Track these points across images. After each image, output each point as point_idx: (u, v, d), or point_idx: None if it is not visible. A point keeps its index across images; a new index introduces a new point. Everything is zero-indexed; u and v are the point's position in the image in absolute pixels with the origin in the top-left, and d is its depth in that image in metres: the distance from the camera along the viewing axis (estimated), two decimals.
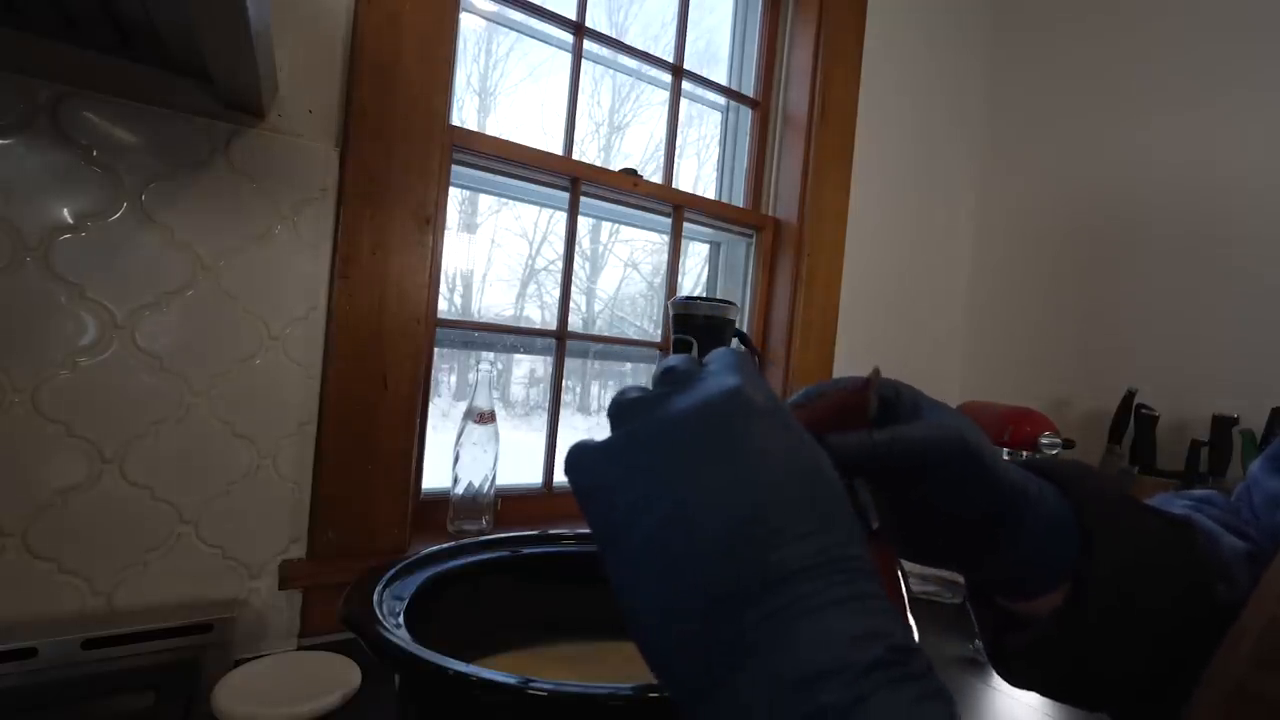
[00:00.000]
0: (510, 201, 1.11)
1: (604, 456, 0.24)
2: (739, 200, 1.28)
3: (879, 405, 0.30)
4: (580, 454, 0.25)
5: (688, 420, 0.22)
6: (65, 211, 0.60)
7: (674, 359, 0.27)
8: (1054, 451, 1.06)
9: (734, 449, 0.21)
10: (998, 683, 0.81)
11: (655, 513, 0.21)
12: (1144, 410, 1.11)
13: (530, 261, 1.23)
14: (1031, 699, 0.77)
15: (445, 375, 1.20)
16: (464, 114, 1.01)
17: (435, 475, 0.91)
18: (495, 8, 1.00)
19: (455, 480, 0.88)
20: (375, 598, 0.45)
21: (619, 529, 0.22)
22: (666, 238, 1.16)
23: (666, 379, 0.25)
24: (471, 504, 0.88)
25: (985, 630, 0.33)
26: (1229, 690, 0.21)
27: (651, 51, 1.13)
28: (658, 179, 1.14)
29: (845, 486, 0.27)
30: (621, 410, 0.25)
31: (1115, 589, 0.27)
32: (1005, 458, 0.30)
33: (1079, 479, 0.30)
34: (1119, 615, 0.27)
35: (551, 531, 0.63)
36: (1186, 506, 0.35)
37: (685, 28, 1.16)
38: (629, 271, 1.35)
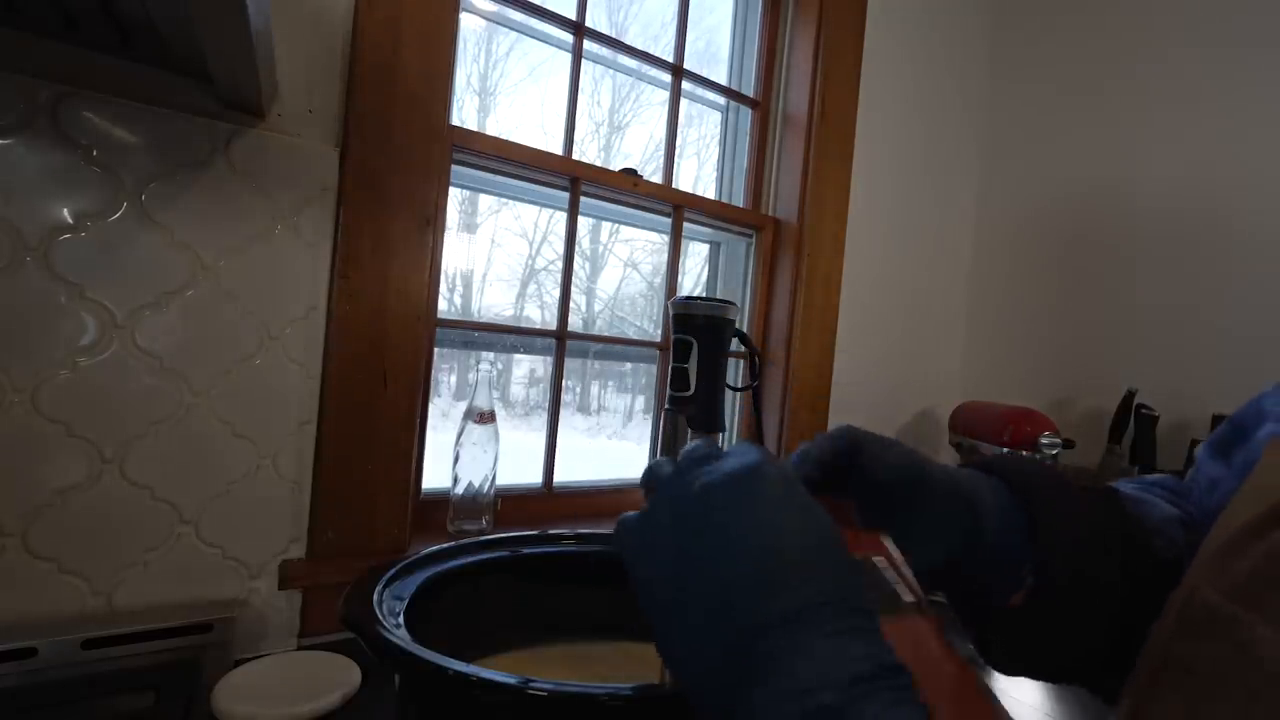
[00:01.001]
0: (510, 201, 1.11)
1: (645, 523, 0.28)
2: (739, 200, 1.28)
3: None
4: (625, 526, 0.30)
5: (712, 490, 0.26)
6: (65, 211, 0.60)
7: (699, 443, 0.31)
8: (1054, 452, 1.06)
9: (744, 514, 0.25)
10: (998, 682, 0.81)
11: (685, 566, 0.25)
12: (1144, 410, 1.11)
13: (530, 261, 1.23)
14: (1031, 698, 0.77)
15: (445, 375, 1.20)
16: (464, 114, 1.01)
17: (435, 475, 0.91)
18: (495, 8, 1.00)
19: (455, 480, 0.88)
20: (375, 598, 0.45)
21: (655, 583, 0.26)
22: (666, 238, 1.16)
23: (693, 456, 0.30)
24: (471, 504, 0.88)
25: (969, 626, 0.35)
26: (1156, 658, 0.23)
27: (651, 51, 1.13)
28: (658, 179, 1.14)
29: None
30: (655, 481, 0.30)
31: (1069, 565, 0.31)
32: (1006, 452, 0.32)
33: (1017, 470, 0.34)
34: (1076, 588, 0.31)
35: (551, 531, 0.63)
36: (1135, 488, 0.38)
37: (685, 28, 1.16)
38: (629, 271, 1.36)
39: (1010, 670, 0.34)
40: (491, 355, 1.06)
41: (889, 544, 0.29)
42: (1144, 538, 0.32)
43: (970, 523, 0.32)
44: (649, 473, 0.31)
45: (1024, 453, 1.05)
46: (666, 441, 0.41)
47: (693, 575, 0.25)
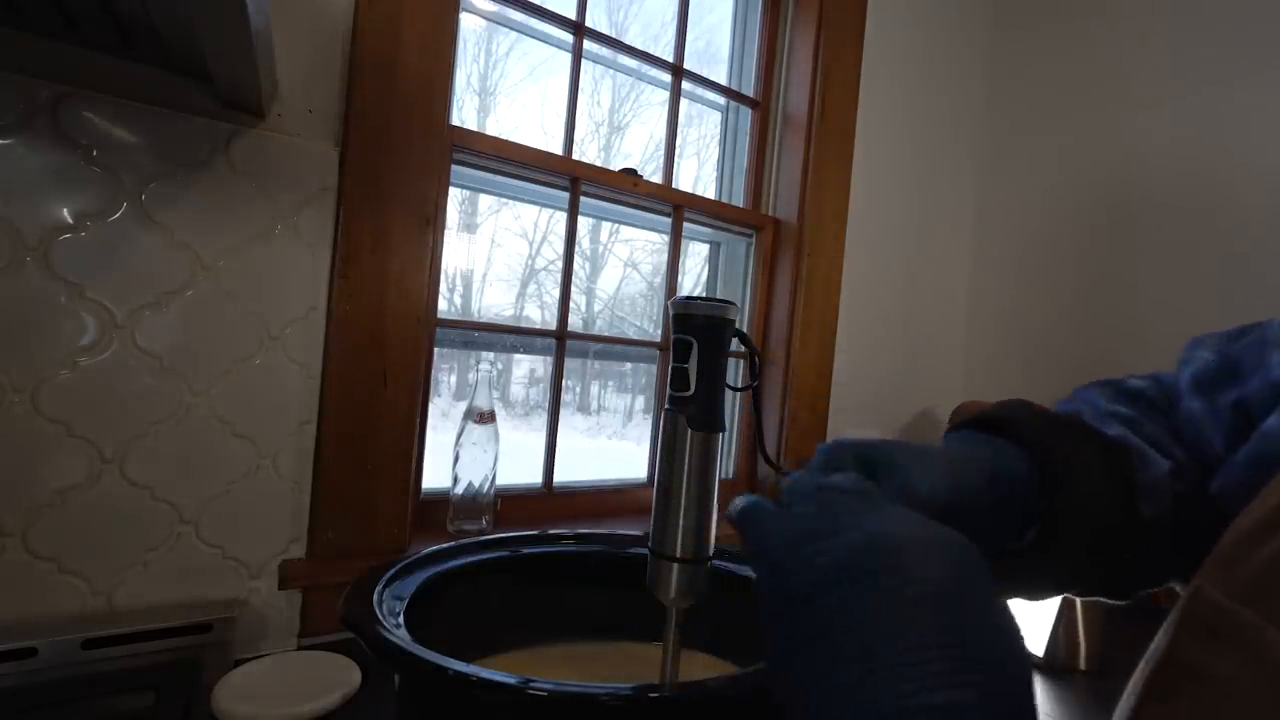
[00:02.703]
0: (510, 201, 1.11)
1: (804, 531, 0.26)
2: (739, 200, 1.28)
3: None
4: (766, 517, 0.28)
5: (917, 546, 0.24)
6: (65, 211, 0.60)
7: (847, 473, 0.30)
8: None
9: (943, 585, 0.23)
10: None
11: (850, 613, 0.23)
12: None
13: (530, 261, 1.23)
14: None
15: (445, 375, 1.20)
16: (464, 114, 1.01)
17: (435, 475, 0.91)
18: (495, 8, 1.00)
19: (455, 480, 0.88)
20: (375, 598, 0.45)
21: (802, 614, 0.24)
22: (666, 238, 1.16)
23: (862, 488, 0.28)
24: (471, 504, 0.88)
25: None
26: (1160, 657, 0.23)
27: (651, 51, 1.13)
28: (658, 179, 1.14)
29: None
30: (806, 494, 0.28)
31: (1075, 526, 0.32)
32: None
33: (1037, 432, 0.34)
34: (1076, 542, 0.32)
35: (551, 531, 0.63)
36: (1125, 416, 0.37)
37: (685, 27, 1.16)
38: (629, 271, 1.35)
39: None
40: (491, 355, 1.06)
41: None
42: (1135, 497, 0.33)
43: (1005, 494, 0.32)
44: (796, 486, 0.29)
45: None
46: (666, 441, 0.41)
47: (862, 631, 0.22)
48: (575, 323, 1.09)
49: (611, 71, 1.19)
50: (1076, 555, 0.32)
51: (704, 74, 1.20)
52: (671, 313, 0.41)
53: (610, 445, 1.49)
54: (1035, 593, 0.35)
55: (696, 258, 1.33)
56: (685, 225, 1.16)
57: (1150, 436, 0.36)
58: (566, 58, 1.04)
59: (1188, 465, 0.35)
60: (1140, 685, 0.23)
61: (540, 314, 1.22)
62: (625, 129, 1.28)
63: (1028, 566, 0.33)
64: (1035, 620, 0.87)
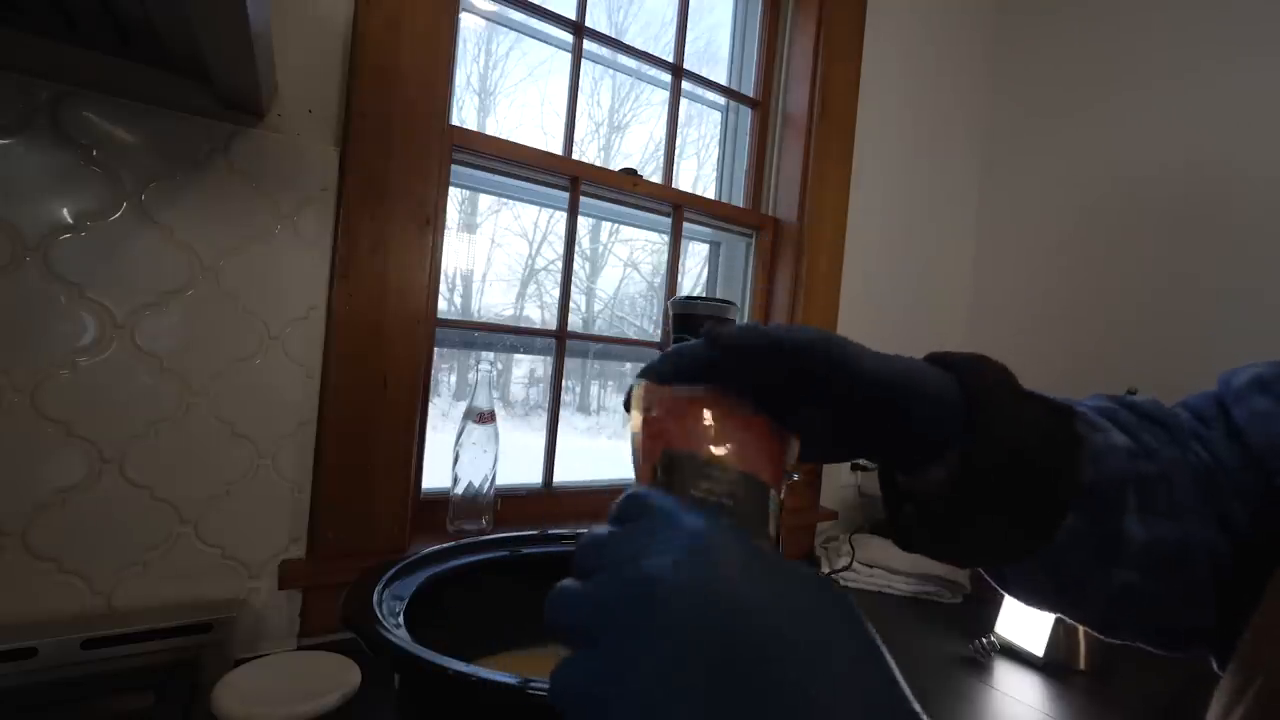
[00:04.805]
0: (510, 201, 1.11)
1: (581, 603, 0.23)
2: (739, 200, 1.28)
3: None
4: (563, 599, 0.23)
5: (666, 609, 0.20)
6: (65, 211, 0.60)
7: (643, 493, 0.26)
8: None
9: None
10: (997, 682, 0.81)
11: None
12: None
13: (530, 261, 1.23)
14: (1031, 699, 0.77)
15: (445, 375, 1.20)
16: (464, 114, 1.01)
17: (435, 475, 0.91)
18: (495, 8, 1.00)
19: (455, 480, 0.88)
20: (375, 597, 0.45)
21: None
22: (666, 237, 1.16)
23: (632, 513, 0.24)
24: (471, 504, 0.88)
25: (889, 504, 0.36)
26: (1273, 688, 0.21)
27: (651, 51, 1.13)
28: (657, 179, 1.14)
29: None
30: (590, 556, 0.24)
31: (993, 472, 0.30)
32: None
33: (972, 369, 0.32)
34: (994, 493, 0.30)
35: (551, 531, 0.63)
36: (1101, 407, 0.35)
37: (685, 27, 1.16)
38: (629, 271, 1.35)
39: (918, 549, 0.34)
40: (491, 355, 1.06)
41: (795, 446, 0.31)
42: (1076, 463, 0.30)
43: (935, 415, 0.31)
44: (582, 544, 0.24)
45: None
46: None
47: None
48: (575, 323, 1.09)
49: (611, 71, 1.19)
50: (1001, 497, 0.30)
51: (704, 74, 1.20)
52: (671, 312, 0.41)
53: (610, 445, 1.49)
54: (966, 552, 0.32)
55: (696, 258, 1.33)
56: (685, 225, 1.16)
57: (1124, 424, 0.34)
58: (566, 58, 1.04)
59: (1160, 453, 0.32)
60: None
61: (540, 314, 1.22)
62: (625, 129, 1.28)
63: (950, 511, 0.31)
64: (1035, 620, 0.87)
